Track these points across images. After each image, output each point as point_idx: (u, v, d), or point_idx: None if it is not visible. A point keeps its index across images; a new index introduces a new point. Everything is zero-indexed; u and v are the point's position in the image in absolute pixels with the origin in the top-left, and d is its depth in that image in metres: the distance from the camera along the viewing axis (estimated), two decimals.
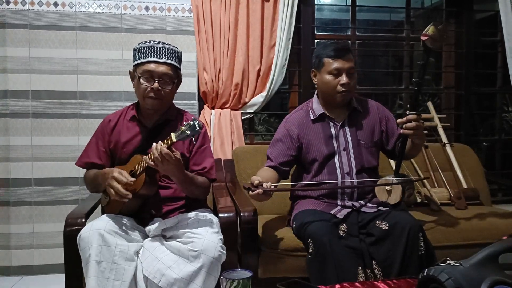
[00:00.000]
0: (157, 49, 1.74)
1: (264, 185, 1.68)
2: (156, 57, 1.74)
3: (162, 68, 1.74)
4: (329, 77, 1.93)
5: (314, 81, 2.03)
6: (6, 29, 2.57)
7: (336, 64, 1.90)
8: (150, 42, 1.77)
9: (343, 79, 1.91)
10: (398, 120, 1.84)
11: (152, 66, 1.74)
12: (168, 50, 1.76)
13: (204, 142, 1.89)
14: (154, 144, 1.56)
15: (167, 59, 1.76)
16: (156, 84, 1.74)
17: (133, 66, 1.79)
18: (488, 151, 3.59)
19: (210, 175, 1.85)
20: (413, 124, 1.77)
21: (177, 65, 1.81)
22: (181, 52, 1.84)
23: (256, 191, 1.65)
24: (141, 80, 1.75)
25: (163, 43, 1.78)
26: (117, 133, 1.85)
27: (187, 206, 1.82)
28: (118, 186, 1.59)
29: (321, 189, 1.95)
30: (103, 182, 1.72)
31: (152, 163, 1.56)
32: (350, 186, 1.95)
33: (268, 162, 2.02)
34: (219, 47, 2.69)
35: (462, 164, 2.68)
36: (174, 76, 1.79)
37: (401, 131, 1.83)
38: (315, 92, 2.09)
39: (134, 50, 1.79)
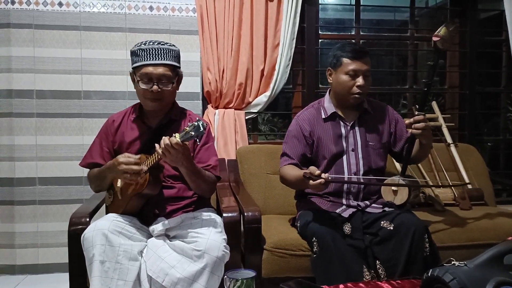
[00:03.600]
0: (153, 50, 1.72)
1: (323, 175, 1.67)
2: (153, 59, 1.71)
3: (160, 70, 1.72)
4: (345, 78, 1.92)
5: (329, 80, 2.02)
6: (11, 29, 2.58)
7: (354, 66, 1.90)
8: (145, 43, 1.74)
9: (360, 81, 1.90)
10: (406, 121, 1.84)
11: (149, 69, 1.72)
12: (164, 51, 1.73)
13: (208, 140, 1.89)
14: (152, 146, 1.56)
15: (164, 59, 1.73)
16: (155, 87, 1.73)
17: (132, 68, 1.78)
18: (493, 151, 3.58)
19: (215, 172, 1.84)
20: (421, 124, 1.76)
21: (176, 64, 1.79)
22: (178, 50, 1.81)
23: (318, 181, 1.64)
24: (140, 84, 1.74)
25: (159, 43, 1.75)
26: (121, 134, 1.85)
27: (190, 206, 1.82)
28: (130, 166, 1.60)
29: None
30: (110, 173, 1.72)
31: (160, 151, 1.54)
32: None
33: (287, 159, 2.00)
34: (223, 47, 2.69)
35: (466, 164, 2.67)
36: (173, 76, 1.77)
37: (410, 131, 1.82)
38: (328, 91, 2.09)
39: (131, 53, 1.77)
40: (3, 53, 2.59)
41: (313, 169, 1.69)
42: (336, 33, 3.30)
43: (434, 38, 1.74)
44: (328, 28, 3.37)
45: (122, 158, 1.63)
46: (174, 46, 1.79)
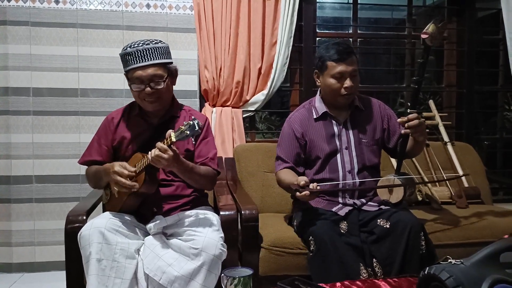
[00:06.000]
0: (139, 52, 1.68)
1: (310, 185, 1.71)
2: (140, 61, 1.69)
3: (149, 71, 1.70)
4: (332, 81, 1.92)
5: (317, 83, 2.03)
6: (7, 26, 2.57)
7: (339, 68, 1.89)
8: (131, 46, 1.70)
9: (347, 82, 1.90)
10: (399, 120, 1.84)
11: (139, 72, 1.70)
12: (149, 51, 1.70)
13: (207, 135, 1.89)
14: (152, 144, 1.57)
15: (151, 59, 1.70)
16: (148, 89, 1.71)
17: (124, 72, 1.77)
18: (489, 150, 3.59)
19: (214, 165, 1.84)
20: (415, 122, 1.77)
21: (165, 60, 1.75)
22: (166, 46, 1.77)
23: (304, 192, 1.69)
24: (132, 87, 1.73)
25: (143, 43, 1.70)
26: (122, 131, 1.85)
27: (188, 204, 1.82)
28: (122, 179, 1.60)
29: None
30: (104, 177, 1.72)
31: (150, 158, 1.56)
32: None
33: (282, 163, 2.02)
34: (220, 45, 2.69)
35: (463, 163, 2.67)
36: (165, 73, 1.75)
37: (403, 131, 1.82)
38: (318, 90, 2.09)
39: (120, 56, 1.75)
40: (0, 51, 2.58)
41: (300, 179, 1.72)
42: (333, 31, 3.30)
43: (423, 36, 1.75)
44: (326, 27, 3.37)
45: (117, 167, 1.63)
46: (160, 42, 1.76)
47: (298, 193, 1.70)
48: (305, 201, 1.77)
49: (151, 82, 1.72)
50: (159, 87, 1.74)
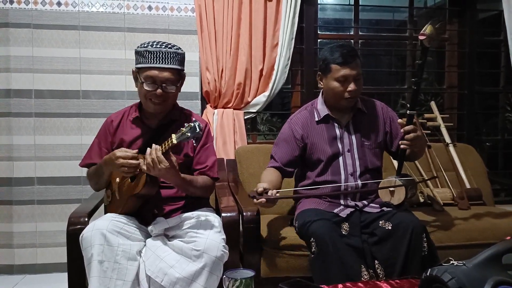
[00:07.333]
0: (160, 53, 1.70)
1: (269, 192, 1.69)
2: (159, 63, 1.70)
3: (165, 74, 1.71)
4: (335, 84, 1.91)
5: (320, 85, 2.02)
6: (10, 28, 2.58)
7: (343, 72, 1.88)
8: (152, 45, 1.72)
9: (351, 86, 1.89)
10: (398, 121, 1.84)
11: (155, 72, 1.71)
12: (170, 54, 1.71)
13: (207, 141, 1.89)
14: (151, 147, 1.57)
15: (170, 64, 1.71)
16: (159, 90, 1.72)
17: (136, 68, 1.78)
18: (491, 151, 3.58)
19: (213, 174, 1.85)
20: (410, 136, 1.77)
21: (180, 67, 1.77)
22: (184, 53, 1.80)
23: (260, 200, 1.67)
24: (144, 85, 1.73)
25: (166, 45, 1.73)
26: (121, 134, 1.85)
27: (189, 206, 1.82)
28: (128, 160, 1.60)
29: (323, 194, 1.95)
30: (106, 168, 1.73)
31: (145, 168, 1.57)
32: (352, 191, 1.94)
33: (272, 162, 2.03)
34: (222, 47, 2.69)
35: (465, 164, 2.67)
36: (177, 79, 1.77)
37: (400, 143, 1.82)
38: (320, 92, 2.09)
39: (136, 52, 1.75)
40: (2, 53, 2.59)
41: (258, 186, 1.71)
42: (335, 33, 3.30)
43: (420, 37, 1.75)
44: (327, 28, 3.37)
45: (119, 152, 1.64)
46: (180, 49, 1.77)
47: (254, 200, 1.69)
48: (263, 207, 1.75)
49: (163, 84, 1.72)
50: (170, 91, 1.75)
